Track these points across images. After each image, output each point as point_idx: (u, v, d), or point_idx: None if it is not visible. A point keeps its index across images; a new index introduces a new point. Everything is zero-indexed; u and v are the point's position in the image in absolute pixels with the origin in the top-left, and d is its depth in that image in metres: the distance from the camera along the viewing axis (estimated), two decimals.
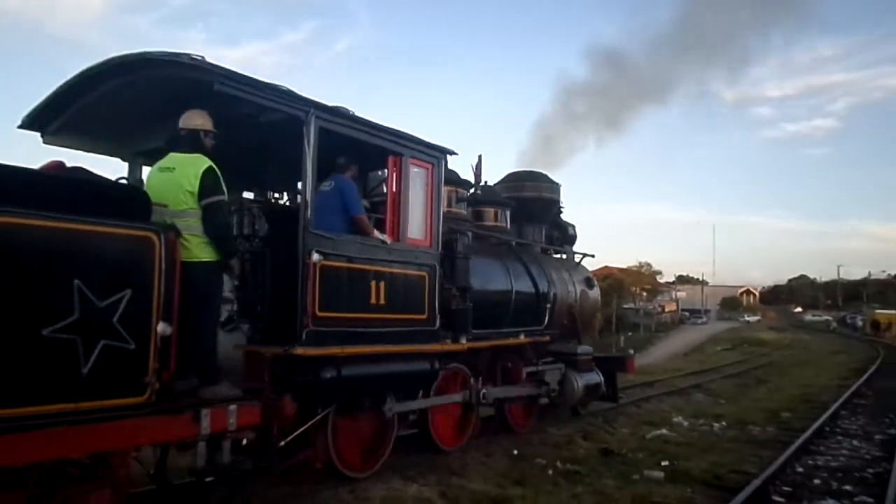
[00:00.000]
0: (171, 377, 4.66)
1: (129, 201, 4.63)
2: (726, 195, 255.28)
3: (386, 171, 7.99)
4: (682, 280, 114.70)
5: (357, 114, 6.42)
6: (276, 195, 7.62)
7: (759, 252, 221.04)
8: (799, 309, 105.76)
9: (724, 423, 11.40)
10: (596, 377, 10.58)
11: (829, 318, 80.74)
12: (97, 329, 4.20)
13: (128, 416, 4.36)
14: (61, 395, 4.07)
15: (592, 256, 12.73)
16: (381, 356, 6.43)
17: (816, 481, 7.76)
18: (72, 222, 4.16)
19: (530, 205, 11.25)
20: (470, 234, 8.50)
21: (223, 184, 5.22)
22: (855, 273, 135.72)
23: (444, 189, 7.80)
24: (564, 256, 11.99)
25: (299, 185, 7.64)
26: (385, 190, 8.03)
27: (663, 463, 8.17)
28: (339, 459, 6.56)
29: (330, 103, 6.13)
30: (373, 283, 6.32)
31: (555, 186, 11.79)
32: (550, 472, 7.62)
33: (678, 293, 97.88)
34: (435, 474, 7.09)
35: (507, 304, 9.10)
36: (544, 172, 12.00)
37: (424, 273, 6.96)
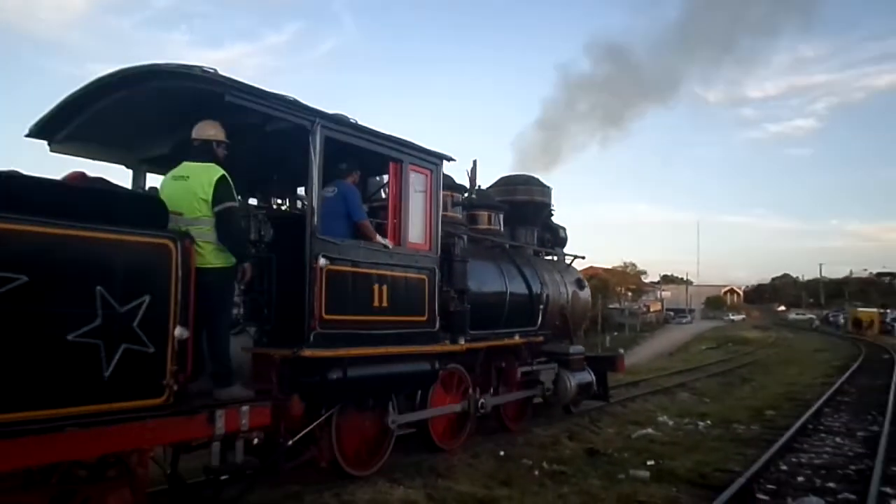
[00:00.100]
0: (187, 379, 4.83)
1: (147, 210, 4.79)
2: (710, 195, 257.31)
3: (383, 176, 8.23)
4: (667, 280, 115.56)
5: (357, 122, 6.60)
6: (279, 201, 7.77)
7: (743, 251, 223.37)
8: (782, 307, 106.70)
9: (708, 422, 11.47)
10: (588, 376, 10.86)
11: (813, 317, 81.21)
12: (118, 333, 4.36)
13: (147, 418, 4.53)
14: (85, 398, 4.23)
15: (583, 258, 13.02)
16: (385, 357, 6.62)
17: (800, 479, 7.83)
18: (95, 231, 4.32)
19: (522, 208, 11.51)
20: (465, 237, 8.72)
21: (234, 191, 5.39)
22: (837, 271, 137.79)
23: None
24: (556, 258, 12.24)
25: (299, 190, 7.91)
26: (383, 195, 8.24)
27: (649, 462, 8.23)
28: (343, 458, 6.74)
29: (330, 111, 6.31)
30: (376, 287, 6.52)
31: (546, 190, 12.04)
32: (537, 472, 7.67)
33: (663, 293, 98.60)
34: (421, 476, 7.14)
35: (503, 306, 9.32)
36: (536, 176, 12.27)
37: (424, 276, 7.16)
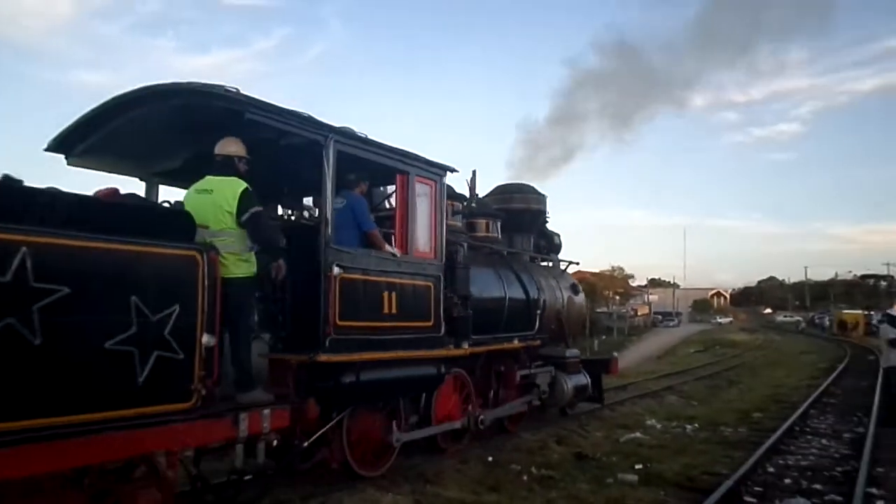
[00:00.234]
0: (213, 384, 5.07)
1: (178, 224, 5.03)
2: (696, 199, 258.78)
3: (387, 187, 8.50)
4: (654, 283, 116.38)
5: (367, 136, 6.85)
6: (288, 212, 8.01)
7: (729, 255, 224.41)
8: (769, 310, 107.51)
9: (696, 425, 11.61)
10: (583, 379, 11.18)
11: (800, 319, 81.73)
12: (151, 341, 4.60)
13: (177, 421, 4.77)
14: (121, 402, 4.47)
15: (577, 264, 13.36)
16: (395, 361, 6.89)
17: (787, 481, 7.93)
18: (129, 244, 4.56)
19: (519, 216, 11.79)
20: (466, 244, 8.99)
21: (256, 201, 5.65)
22: (822, 274, 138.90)
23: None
24: (551, 264, 12.54)
25: (305, 200, 8.15)
26: (388, 205, 8.52)
27: (637, 466, 8.33)
28: (353, 460, 6.99)
29: (338, 124, 6.53)
30: (385, 294, 6.79)
31: (541, 198, 12.36)
32: (525, 477, 7.75)
33: (650, 296, 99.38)
34: (409, 483, 7.20)
35: (502, 311, 9.60)
36: (531, 184, 12.58)
37: (430, 283, 7.44)
